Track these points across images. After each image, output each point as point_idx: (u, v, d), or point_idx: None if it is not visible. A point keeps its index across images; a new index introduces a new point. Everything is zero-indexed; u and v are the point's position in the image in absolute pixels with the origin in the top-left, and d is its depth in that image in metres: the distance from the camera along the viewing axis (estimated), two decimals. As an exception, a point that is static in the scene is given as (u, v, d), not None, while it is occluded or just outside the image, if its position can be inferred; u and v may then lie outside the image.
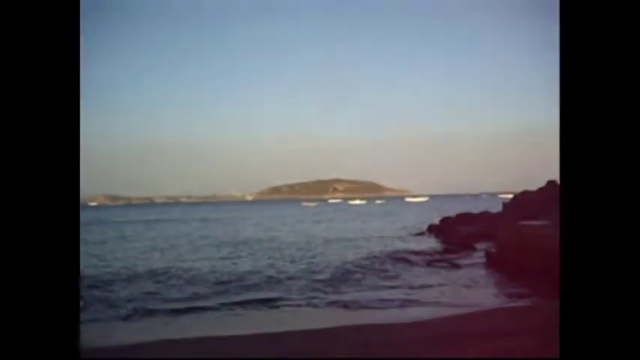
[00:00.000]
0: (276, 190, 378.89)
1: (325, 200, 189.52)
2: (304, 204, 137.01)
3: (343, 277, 17.30)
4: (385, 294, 14.26)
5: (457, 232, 28.51)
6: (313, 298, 14.06)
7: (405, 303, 13.01)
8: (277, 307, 13.12)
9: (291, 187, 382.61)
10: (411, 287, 15.29)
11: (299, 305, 13.26)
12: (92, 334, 10.06)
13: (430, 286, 15.43)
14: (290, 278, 17.22)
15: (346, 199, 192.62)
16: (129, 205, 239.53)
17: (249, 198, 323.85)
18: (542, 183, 27.68)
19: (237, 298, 14.02)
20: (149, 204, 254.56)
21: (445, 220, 35.21)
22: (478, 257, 20.57)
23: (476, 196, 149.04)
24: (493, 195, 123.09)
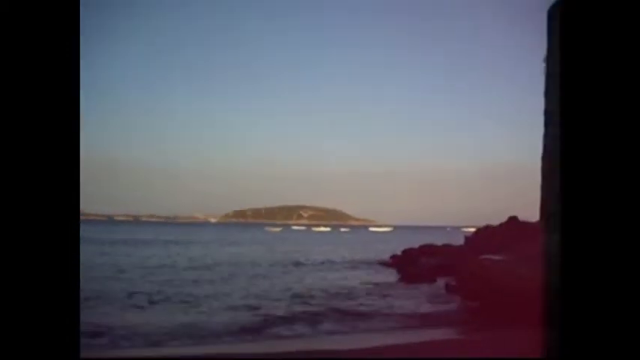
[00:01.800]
0: (241, 213, 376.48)
1: (290, 226, 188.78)
2: (268, 229, 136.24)
3: (303, 304, 17.07)
4: (343, 325, 14.10)
5: (419, 264, 28.58)
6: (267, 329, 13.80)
7: (364, 331, 12.88)
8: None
9: (256, 212, 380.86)
10: (371, 316, 15.19)
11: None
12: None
13: (389, 316, 15.34)
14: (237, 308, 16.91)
15: (311, 226, 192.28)
16: (86, 221, 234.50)
17: (213, 220, 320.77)
18: (503, 218, 28.05)
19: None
20: (107, 222, 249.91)
21: (407, 251, 35.31)
22: (438, 289, 20.59)
23: (440, 229, 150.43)
24: (456, 228, 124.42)
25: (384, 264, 33.94)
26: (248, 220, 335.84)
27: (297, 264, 33.47)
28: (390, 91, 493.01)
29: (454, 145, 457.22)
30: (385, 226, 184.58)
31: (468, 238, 30.65)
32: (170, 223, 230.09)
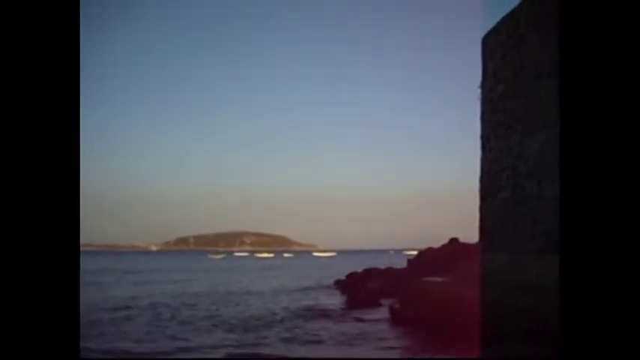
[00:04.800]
0: (183, 240, 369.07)
1: (232, 253, 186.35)
2: (211, 256, 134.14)
3: (246, 332, 16.85)
4: (287, 350, 13.99)
5: (363, 288, 28.70)
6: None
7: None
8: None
9: (198, 239, 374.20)
10: (316, 342, 15.13)
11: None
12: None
13: (333, 340, 15.31)
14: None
15: (254, 252, 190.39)
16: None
17: (154, 249, 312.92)
18: (445, 240, 28.61)
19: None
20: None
21: (351, 276, 35.42)
22: (382, 312, 20.71)
23: (383, 252, 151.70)
24: (399, 251, 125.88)
25: (328, 289, 33.92)
26: (190, 248, 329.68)
27: (237, 292, 33.03)
28: (331, 117, 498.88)
29: (394, 170, 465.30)
30: (329, 251, 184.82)
31: (411, 261, 31.07)
32: (108, 252, 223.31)
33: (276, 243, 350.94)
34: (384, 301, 23.75)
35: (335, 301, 26.31)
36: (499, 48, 12.97)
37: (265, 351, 13.86)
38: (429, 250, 30.00)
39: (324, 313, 21.37)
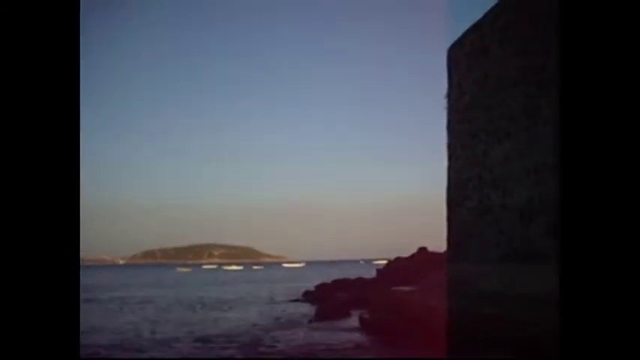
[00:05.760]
0: (150, 254, 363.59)
1: (200, 265, 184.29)
2: (179, 269, 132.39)
3: (213, 346, 16.66)
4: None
5: (332, 298, 28.65)
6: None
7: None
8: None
9: (165, 252, 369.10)
10: (283, 354, 15.05)
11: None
12: None
13: (301, 349, 15.25)
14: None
15: (222, 264, 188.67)
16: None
17: (121, 262, 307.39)
18: (414, 249, 28.79)
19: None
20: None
21: (321, 287, 35.34)
22: (352, 323, 20.70)
23: (352, 262, 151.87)
24: (368, 261, 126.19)
25: (297, 300, 33.78)
26: (158, 261, 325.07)
27: (204, 305, 32.68)
28: (300, 126, 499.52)
29: (363, 180, 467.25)
30: (298, 262, 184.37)
31: (380, 271, 31.15)
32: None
33: (244, 255, 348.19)
34: (353, 312, 23.75)
35: (304, 311, 26.19)
36: (464, 59, 13.17)
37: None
38: (398, 259, 30.13)
39: (292, 325, 21.26)
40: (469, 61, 12.91)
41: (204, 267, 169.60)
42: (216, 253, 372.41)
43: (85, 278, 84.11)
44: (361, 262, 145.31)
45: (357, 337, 17.69)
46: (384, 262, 36.80)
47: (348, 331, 19.15)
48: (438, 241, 19.44)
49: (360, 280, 34.57)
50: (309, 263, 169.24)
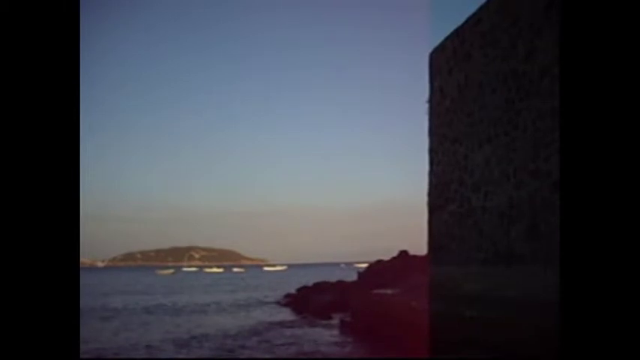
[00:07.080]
0: (130, 256, 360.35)
1: (181, 268, 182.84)
2: (159, 272, 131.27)
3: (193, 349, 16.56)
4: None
5: (313, 302, 28.62)
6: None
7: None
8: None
9: (145, 254, 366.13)
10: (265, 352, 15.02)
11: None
12: None
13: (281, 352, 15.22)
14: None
15: (203, 267, 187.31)
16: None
17: (101, 265, 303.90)
18: (394, 252, 28.85)
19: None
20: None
21: (302, 290, 35.28)
22: (333, 326, 20.70)
23: (333, 265, 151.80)
24: (349, 264, 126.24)
25: (278, 303, 33.70)
26: (138, 263, 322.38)
27: (184, 308, 32.46)
28: (278, 131, 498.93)
29: (344, 183, 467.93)
30: (279, 264, 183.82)
31: (361, 274, 31.19)
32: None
33: (225, 257, 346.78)
34: (334, 315, 23.75)
35: (285, 315, 26.14)
36: (446, 63, 13.28)
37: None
38: (379, 262, 30.17)
39: (272, 327, 21.20)
40: (450, 65, 13.02)
41: (185, 269, 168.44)
42: (196, 255, 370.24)
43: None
44: (342, 265, 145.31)
45: (338, 339, 17.70)
46: (365, 265, 36.86)
47: (329, 330, 19.16)
48: (418, 245, 19.57)
49: (340, 283, 34.56)
50: (290, 266, 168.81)
